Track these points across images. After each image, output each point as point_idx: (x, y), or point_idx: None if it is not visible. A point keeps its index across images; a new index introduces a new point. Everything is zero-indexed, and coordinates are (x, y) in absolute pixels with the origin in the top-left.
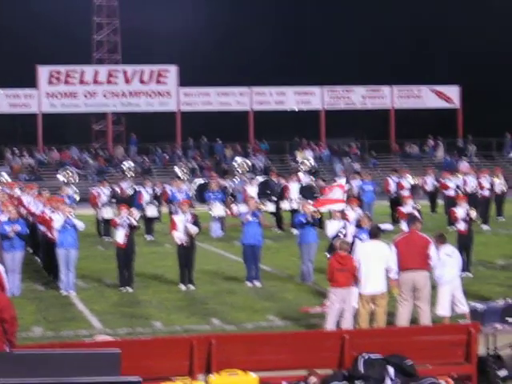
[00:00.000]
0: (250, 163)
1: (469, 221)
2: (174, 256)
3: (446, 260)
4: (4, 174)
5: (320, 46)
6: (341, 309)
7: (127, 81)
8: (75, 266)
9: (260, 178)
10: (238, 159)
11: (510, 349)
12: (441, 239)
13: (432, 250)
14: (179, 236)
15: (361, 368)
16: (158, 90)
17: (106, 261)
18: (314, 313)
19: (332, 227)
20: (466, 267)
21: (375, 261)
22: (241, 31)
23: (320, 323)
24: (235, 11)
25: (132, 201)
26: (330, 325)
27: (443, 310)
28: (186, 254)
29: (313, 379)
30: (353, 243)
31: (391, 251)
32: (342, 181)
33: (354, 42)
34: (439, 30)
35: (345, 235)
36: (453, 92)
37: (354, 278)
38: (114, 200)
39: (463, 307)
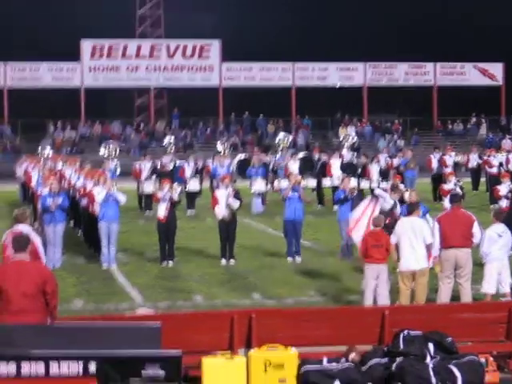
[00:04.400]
0: (291, 139)
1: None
2: (215, 230)
3: (496, 238)
4: (47, 147)
5: (363, 22)
6: (376, 284)
7: (170, 55)
8: (116, 240)
9: (302, 154)
10: (281, 134)
11: None
12: (497, 215)
13: (476, 227)
14: (221, 210)
15: (401, 344)
16: (201, 64)
17: (147, 235)
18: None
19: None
20: None
21: (414, 237)
22: (284, 6)
23: (360, 299)
24: None
25: (173, 175)
26: (367, 301)
27: (488, 288)
28: (227, 228)
29: (353, 355)
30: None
31: (429, 227)
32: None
33: (397, 17)
34: (483, 6)
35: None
36: (496, 69)
37: (387, 254)
38: (154, 174)
39: (506, 287)
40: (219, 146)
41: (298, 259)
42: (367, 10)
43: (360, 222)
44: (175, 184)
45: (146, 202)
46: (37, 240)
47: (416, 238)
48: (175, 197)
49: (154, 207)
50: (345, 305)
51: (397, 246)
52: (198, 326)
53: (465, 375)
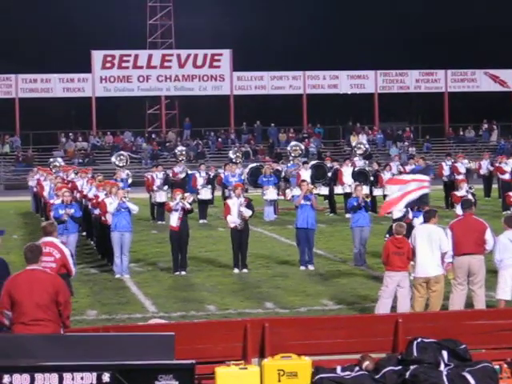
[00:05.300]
0: (303, 147)
1: None
2: (228, 240)
3: (508, 245)
4: (58, 158)
5: (374, 30)
6: (394, 292)
7: (181, 65)
8: (129, 250)
9: (313, 162)
10: (293, 143)
11: None
12: (508, 222)
13: (488, 234)
14: (233, 219)
15: (414, 352)
16: (212, 73)
17: (159, 244)
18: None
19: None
20: None
21: (429, 244)
22: (294, 15)
23: (374, 307)
24: None
25: (185, 184)
26: (382, 308)
27: (503, 295)
28: (239, 237)
29: (367, 363)
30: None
31: (445, 235)
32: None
33: (406, 25)
34: (493, 14)
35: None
36: (507, 75)
37: (408, 262)
38: (166, 184)
39: None
40: (231, 155)
41: (311, 268)
42: (378, 16)
43: (402, 185)
44: (187, 193)
45: (159, 211)
46: (67, 252)
47: (432, 246)
48: (187, 206)
49: (166, 218)
50: (359, 313)
51: (412, 252)
52: (211, 335)
53: (479, 382)
